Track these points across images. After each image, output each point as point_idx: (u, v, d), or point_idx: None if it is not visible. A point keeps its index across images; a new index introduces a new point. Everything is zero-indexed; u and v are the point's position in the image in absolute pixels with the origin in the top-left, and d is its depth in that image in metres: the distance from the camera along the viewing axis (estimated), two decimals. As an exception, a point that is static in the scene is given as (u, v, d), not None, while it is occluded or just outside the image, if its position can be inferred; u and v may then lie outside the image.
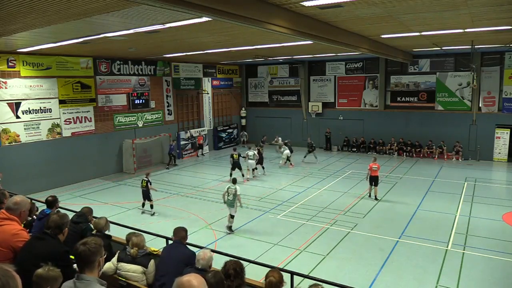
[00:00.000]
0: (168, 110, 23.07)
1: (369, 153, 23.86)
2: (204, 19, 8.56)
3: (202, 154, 24.64)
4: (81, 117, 18.14)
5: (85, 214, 6.51)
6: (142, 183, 13.44)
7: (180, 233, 5.49)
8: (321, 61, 25.93)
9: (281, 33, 8.97)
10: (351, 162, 21.53)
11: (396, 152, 23.23)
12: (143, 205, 13.64)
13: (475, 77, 19.23)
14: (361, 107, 25.31)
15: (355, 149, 24.65)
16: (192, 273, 2.51)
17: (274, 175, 18.82)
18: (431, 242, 10.64)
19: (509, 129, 20.86)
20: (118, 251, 5.33)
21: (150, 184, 13.36)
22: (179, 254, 5.18)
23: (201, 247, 5.67)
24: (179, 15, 8.38)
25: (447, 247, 10.37)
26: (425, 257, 9.75)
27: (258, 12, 7.65)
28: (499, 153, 21.15)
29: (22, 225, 4.62)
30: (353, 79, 25.43)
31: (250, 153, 18.14)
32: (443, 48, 18.58)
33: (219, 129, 26.94)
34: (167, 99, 22.93)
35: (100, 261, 3.31)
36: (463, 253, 10.02)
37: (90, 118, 18.57)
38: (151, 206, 13.49)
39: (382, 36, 13.30)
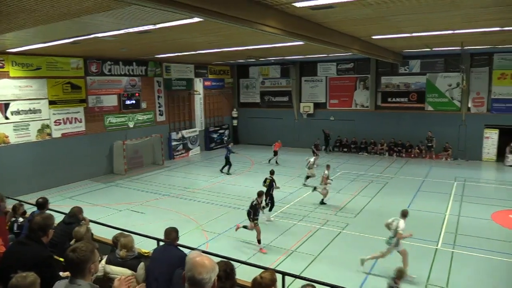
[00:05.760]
0: (160, 110, 22.96)
1: (360, 153, 24.07)
2: (196, 19, 8.54)
3: (277, 163, 21.52)
4: (71, 118, 17.96)
5: (76, 214, 6.45)
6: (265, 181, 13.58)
7: (171, 234, 5.46)
8: (313, 62, 25.98)
9: (272, 34, 8.99)
10: (342, 163, 21.61)
11: (387, 152, 23.41)
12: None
13: (464, 78, 19.47)
14: (352, 108, 25.45)
15: (346, 149, 24.78)
16: (203, 254, 2.51)
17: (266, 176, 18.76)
18: (421, 241, 10.71)
19: (497, 129, 21.11)
20: (108, 254, 5.28)
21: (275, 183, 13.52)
22: (170, 256, 5.14)
23: (192, 248, 5.64)
24: (170, 16, 8.35)
25: (437, 246, 10.49)
26: (415, 256, 9.81)
27: (250, 12, 7.66)
28: (488, 153, 21.41)
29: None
30: (344, 79, 25.53)
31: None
32: (433, 49, 18.77)
33: (210, 129, 26.87)
34: (158, 99, 22.81)
35: (93, 267, 3.27)
36: (453, 252, 10.13)
37: (81, 119, 18.39)
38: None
39: (373, 37, 13.39)
